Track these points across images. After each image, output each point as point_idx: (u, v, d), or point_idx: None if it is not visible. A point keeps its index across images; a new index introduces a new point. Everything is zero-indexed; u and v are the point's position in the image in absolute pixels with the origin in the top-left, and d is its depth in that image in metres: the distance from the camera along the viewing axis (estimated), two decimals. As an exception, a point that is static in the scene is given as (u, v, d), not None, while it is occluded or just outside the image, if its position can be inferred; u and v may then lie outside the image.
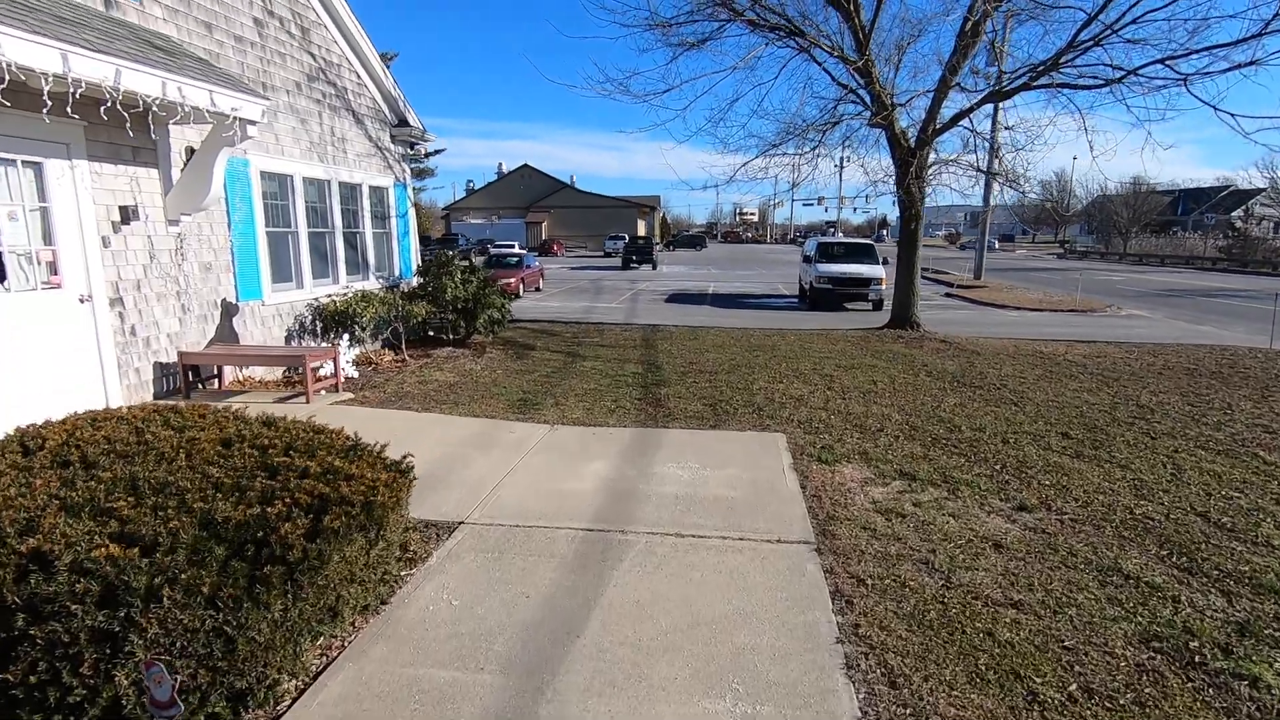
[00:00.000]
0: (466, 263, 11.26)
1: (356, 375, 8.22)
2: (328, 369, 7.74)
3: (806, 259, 22.67)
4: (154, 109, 5.53)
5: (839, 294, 20.11)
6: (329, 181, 9.61)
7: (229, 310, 7.70)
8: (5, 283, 5.46)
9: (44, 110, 4.90)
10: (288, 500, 2.76)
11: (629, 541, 3.90)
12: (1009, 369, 10.11)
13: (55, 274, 5.87)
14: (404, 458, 3.51)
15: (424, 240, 45.42)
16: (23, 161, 5.56)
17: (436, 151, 43.03)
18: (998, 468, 5.51)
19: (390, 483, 3.12)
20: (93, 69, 4.89)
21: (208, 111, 6.01)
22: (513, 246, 42.85)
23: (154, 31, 6.62)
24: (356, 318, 8.80)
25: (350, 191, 10.23)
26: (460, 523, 4.12)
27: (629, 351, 11.06)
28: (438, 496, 4.50)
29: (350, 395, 7.16)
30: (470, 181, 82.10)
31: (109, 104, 5.11)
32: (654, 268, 40.40)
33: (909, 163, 13.24)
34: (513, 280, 22.99)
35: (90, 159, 6.08)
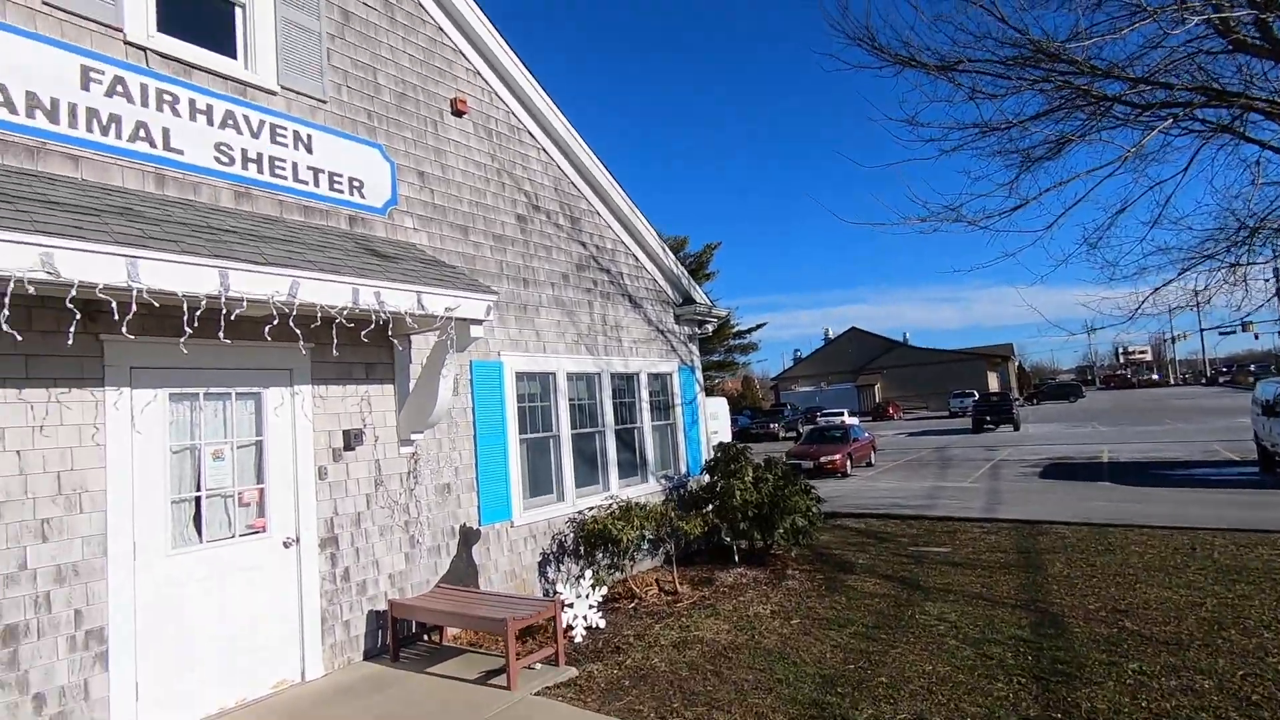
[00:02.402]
0: (760, 461, 9.04)
1: (603, 625, 6.25)
2: (566, 616, 5.94)
3: (1266, 408, 15.63)
4: (341, 320, 4.67)
5: (1346, 462, 12.96)
6: (599, 374, 8.50)
7: (468, 538, 6.52)
8: (201, 534, 4.79)
9: (219, 334, 4.24)
10: None
11: None
12: None
13: (261, 516, 5.15)
14: None
15: (752, 412, 45.09)
16: (238, 394, 5.08)
17: (758, 326, 43.55)
18: None
19: None
20: (257, 283, 4.13)
21: (410, 315, 5.08)
22: (841, 414, 39.90)
23: (396, 241, 6.22)
24: (613, 539, 7.04)
25: (625, 382, 9.03)
26: None
27: (999, 578, 7.37)
28: None
29: (574, 672, 5.13)
30: (797, 351, 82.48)
31: (278, 320, 4.33)
32: (1015, 428, 33.49)
33: None
34: (837, 457, 20.11)
35: (315, 383, 5.51)
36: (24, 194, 3.74)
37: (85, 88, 4.47)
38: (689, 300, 10.34)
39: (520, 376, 7.41)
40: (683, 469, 9.77)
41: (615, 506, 7.50)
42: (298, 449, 5.34)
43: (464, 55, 7.24)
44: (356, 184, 6.04)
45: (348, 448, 5.68)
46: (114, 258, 3.59)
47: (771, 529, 8.47)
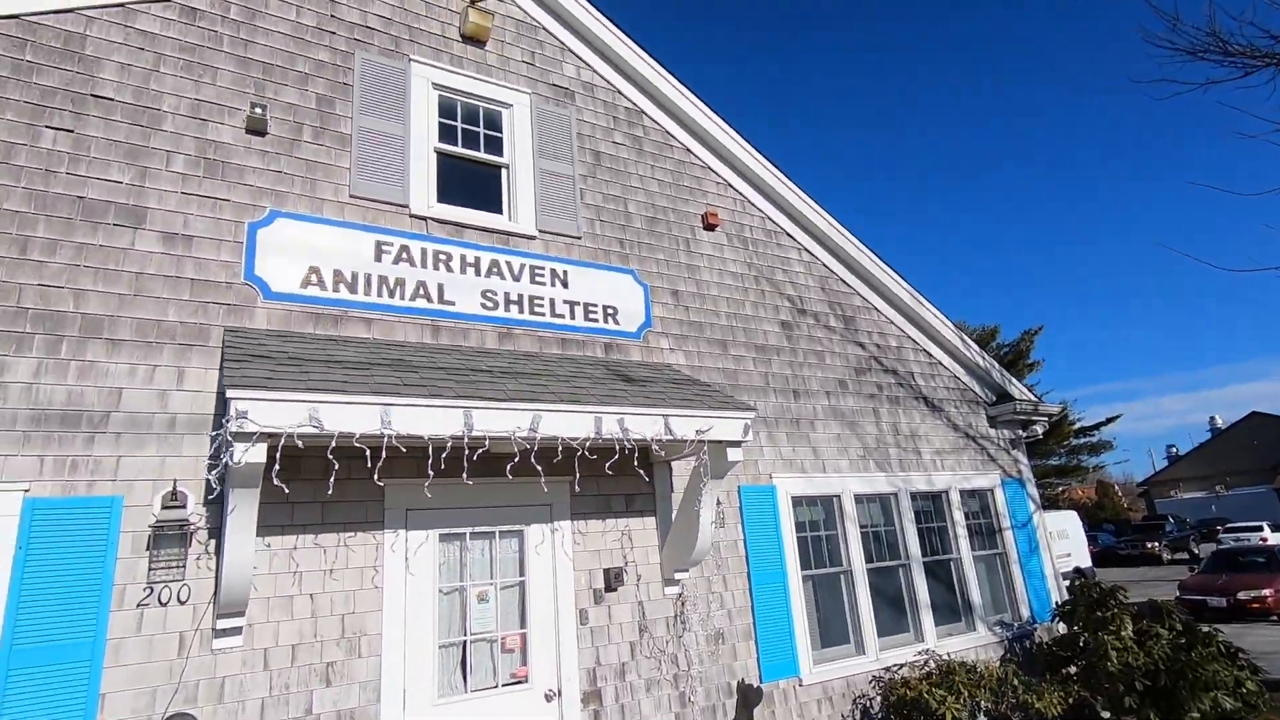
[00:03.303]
0: (1140, 603, 6.64)
1: (928, 840, 4.68)
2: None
3: None
4: (584, 452, 4.38)
5: None
6: (894, 494, 7.14)
7: (747, 697, 5.55)
8: (466, 683, 4.65)
9: (463, 475, 4.20)
10: None
11: None
12: None
13: (523, 664, 4.88)
14: None
15: (1116, 527, 36.34)
16: (501, 533, 5.03)
17: (1109, 420, 35.82)
18: None
19: None
20: (498, 420, 4.04)
21: (656, 441, 4.61)
22: (1260, 529, 29.86)
23: (650, 363, 5.97)
24: (933, 714, 5.43)
25: (930, 503, 7.48)
26: None
27: None
28: None
29: None
30: (1171, 447, 65.94)
31: (524, 456, 4.16)
32: None
33: None
34: (1268, 592, 14.66)
35: (574, 517, 5.28)
36: (315, 356, 4.19)
37: (377, 259, 5.08)
38: (1005, 397, 8.50)
39: (798, 501, 6.47)
40: (1023, 613, 7.60)
41: (932, 666, 5.91)
42: (558, 590, 5.07)
43: (712, 170, 7.12)
44: (610, 311, 6.01)
45: (609, 588, 5.27)
46: (369, 407, 3.74)
47: (1179, 709, 5.96)
